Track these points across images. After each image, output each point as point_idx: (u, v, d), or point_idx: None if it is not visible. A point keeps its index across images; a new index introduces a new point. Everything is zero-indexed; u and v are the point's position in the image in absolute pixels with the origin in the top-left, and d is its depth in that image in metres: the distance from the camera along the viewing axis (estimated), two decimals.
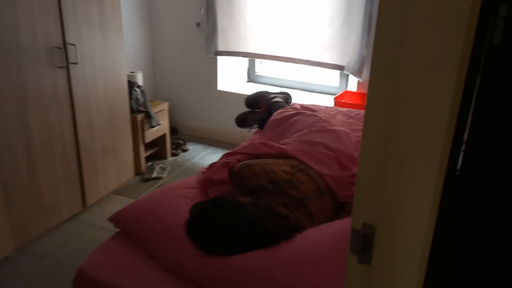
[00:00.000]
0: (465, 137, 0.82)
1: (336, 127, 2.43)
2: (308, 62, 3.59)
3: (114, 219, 1.96)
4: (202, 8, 3.75)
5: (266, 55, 3.72)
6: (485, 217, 0.88)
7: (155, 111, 3.49)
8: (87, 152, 2.86)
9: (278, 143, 2.25)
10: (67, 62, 2.60)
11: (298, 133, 2.35)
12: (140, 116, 3.35)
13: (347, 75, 3.68)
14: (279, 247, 1.62)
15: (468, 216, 0.89)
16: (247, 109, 3.23)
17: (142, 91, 3.38)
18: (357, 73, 3.40)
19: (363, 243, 0.88)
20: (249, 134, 3.12)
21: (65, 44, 2.57)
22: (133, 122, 3.29)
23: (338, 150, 2.16)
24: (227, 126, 3.98)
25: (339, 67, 3.50)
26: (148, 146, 3.60)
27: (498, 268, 0.88)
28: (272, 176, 1.88)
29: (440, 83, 0.74)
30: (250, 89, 3.83)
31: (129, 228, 1.89)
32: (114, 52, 2.94)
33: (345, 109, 3.09)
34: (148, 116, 3.40)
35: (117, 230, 1.97)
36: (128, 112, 3.18)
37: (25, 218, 2.53)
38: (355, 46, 3.34)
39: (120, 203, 2.91)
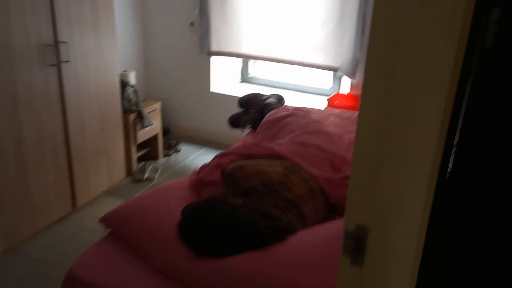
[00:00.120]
0: (456, 139, 0.82)
1: (329, 129, 2.44)
2: (302, 63, 3.59)
3: (105, 220, 1.95)
4: (195, 8, 3.74)
5: (259, 56, 3.71)
6: (476, 218, 0.88)
7: (148, 111, 3.47)
8: (78, 152, 2.84)
9: (271, 144, 2.25)
10: (59, 60, 2.58)
11: (291, 134, 2.35)
12: (132, 116, 3.33)
13: (340, 77, 3.68)
14: (271, 249, 1.61)
15: (459, 218, 0.90)
16: (240, 110, 3.22)
17: (135, 91, 3.36)
18: (351, 74, 3.40)
19: (356, 245, 0.87)
20: (242, 135, 3.11)
21: (57, 42, 2.54)
22: (125, 122, 3.27)
23: (331, 152, 2.16)
24: (220, 127, 3.96)
25: (333, 69, 3.50)
26: (140, 146, 3.58)
27: (489, 269, 0.88)
28: (265, 177, 1.88)
29: (434, 86, 0.74)
30: (244, 89, 3.82)
31: (120, 229, 1.88)
32: (106, 51, 2.92)
33: (338, 110, 3.10)
34: (140, 116, 3.38)
35: (108, 231, 1.95)
36: (120, 112, 3.15)
37: (14, 220, 2.50)
38: (348, 48, 3.35)
39: (111, 204, 2.89)
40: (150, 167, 3.56)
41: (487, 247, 0.86)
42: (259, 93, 3.20)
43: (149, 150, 3.71)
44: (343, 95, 3.59)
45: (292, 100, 3.49)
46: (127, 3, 3.78)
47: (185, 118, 4.20)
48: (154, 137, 3.68)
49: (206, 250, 1.65)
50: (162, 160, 3.76)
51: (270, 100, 3.04)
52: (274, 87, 4.01)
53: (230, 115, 3.22)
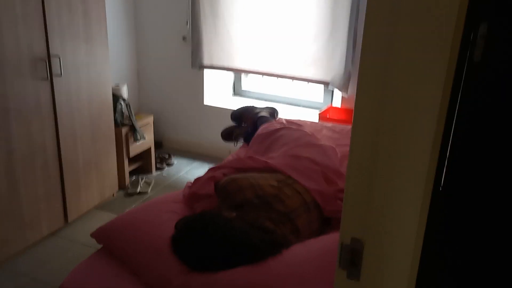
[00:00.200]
0: (448, 153, 0.82)
1: (322, 142, 2.44)
2: (293, 77, 3.61)
3: (97, 235, 1.92)
4: (188, 22, 3.76)
5: (251, 70, 3.73)
6: (471, 230, 0.88)
7: (140, 125, 3.46)
8: (70, 166, 2.81)
9: (264, 158, 2.24)
10: (51, 74, 2.57)
11: (284, 148, 2.35)
12: (124, 130, 3.31)
13: (332, 90, 3.71)
14: (265, 263, 1.60)
15: (454, 230, 0.90)
16: (233, 124, 3.22)
17: (127, 104, 3.36)
18: (343, 88, 3.43)
19: (351, 258, 0.87)
20: (235, 149, 3.11)
21: (49, 55, 2.54)
22: (117, 135, 3.25)
23: (324, 165, 2.16)
24: (213, 140, 3.96)
25: (324, 83, 3.52)
26: (132, 160, 3.56)
27: (486, 281, 0.88)
28: (258, 190, 1.87)
29: (426, 100, 0.74)
30: (236, 103, 3.83)
31: (112, 244, 1.85)
32: (99, 65, 2.92)
33: (330, 124, 3.11)
34: (132, 129, 3.37)
35: (100, 246, 1.92)
36: (112, 125, 3.14)
37: (3, 234, 2.46)
38: (340, 62, 3.38)
39: (103, 219, 2.86)
40: (143, 181, 3.54)
41: (483, 259, 0.86)
42: (252, 106, 3.20)
43: (141, 164, 3.69)
44: (335, 109, 3.61)
45: (284, 113, 3.50)
46: (120, 16, 3.79)
47: (178, 132, 4.20)
48: (147, 151, 3.66)
49: (200, 264, 1.63)
50: (154, 174, 3.74)
51: (263, 113, 3.04)
52: (267, 100, 4.03)
53: (223, 129, 3.22)
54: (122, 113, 3.31)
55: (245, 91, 4.22)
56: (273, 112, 3.14)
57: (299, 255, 1.64)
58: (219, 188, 1.94)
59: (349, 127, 3.00)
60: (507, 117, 0.79)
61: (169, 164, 3.89)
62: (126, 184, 3.45)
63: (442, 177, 0.84)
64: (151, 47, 4.02)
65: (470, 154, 0.84)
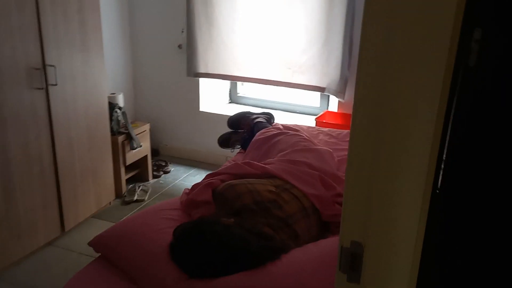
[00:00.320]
0: (444, 155, 0.83)
1: (319, 147, 2.44)
2: (289, 84, 3.62)
3: (94, 243, 1.91)
4: (183, 30, 3.77)
5: (245, 77, 3.74)
6: (469, 232, 0.88)
7: (136, 133, 3.46)
8: (66, 175, 2.80)
9: (261, 163, 2.24)
10: (46, 84, 2.56)
11: (282, 153, 2.35)
12: (121, 138, 3.31)
13: (328, 95, 3.72)
14: (264, 268, 1.59)
15: (453, 232, 0.90)
16: (230, 130, 3.22)
17: (123, 113, 3.35)
18: (339, 94, 3.44)
19: (352, 261, 0.87)
20: (232, 155, 3.11)
21: (44, 65, 2.54)
22: (114, 143, 3.24)
23: (322, 169, 2.16)
24: (209, 147, 3.96)
25: (320, 89, 3.53)
26: (129, 168, 3.55)
27: (486, 281, 0.88)
28: (256, 196, 1.86)
29: (424, 103, 0.75)
30: (233, 109, 3.84)
31: (110, 252, 1.84)
32: (95, 73, 2.92)
33: (326, 129, 3.12)
34: (129, 137, 3.36)
35: (97, 255, 1.91)
36: (108, 133, 3.13)
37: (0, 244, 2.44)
38: (335, 68, 3.39)
39: (100, 227, 2.84)
40: (140, 189, 3.53)
41: (483, 260, 0.86)
42: (248, 112, 3.21)
43: (138, 172, 3.68)
44: (331, 113, 3.62)
45: (281, 119, 3.51)
46: (115, 25, 3.80)
47: (174, 139, 4.19)
48: (143, 159, 3.66)
49: (198, 271, 1.62)
50: (151, 181, 3.73)
51: (260, 119, 3.05)
52: (263, 106, 4.04)
53: (219, 135, 3.22)
54: (118, 121, 3.30)
55: (241, 97, 4.22)
56: (269, 117, 3.14)
57: (298, 260, 1.64)
58: (216, 194, 1.94)
59: (346, 131, 3.01)
60: (502, 120, 0.80)
61: (166, 172, 3.89)
62: (123, 192, 3.44)
63: (439, 179, 0.84)
64: (147, 56, 4.02)
65: (466, 157, 0.85)
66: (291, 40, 3.48)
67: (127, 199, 3.38)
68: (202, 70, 3.81)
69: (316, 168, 2.17)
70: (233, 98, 4.25)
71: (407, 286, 0.85)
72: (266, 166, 2.17)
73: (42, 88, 2.54)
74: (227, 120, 3.22)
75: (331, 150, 2.47)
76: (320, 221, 1.98)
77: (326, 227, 2.00)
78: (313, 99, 3.94)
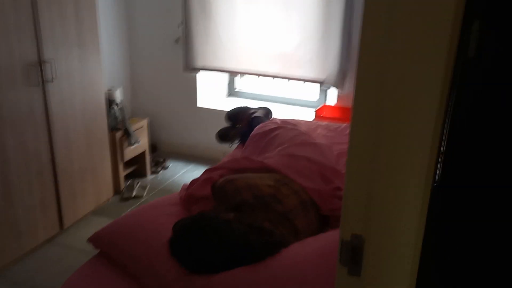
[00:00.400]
0: (443, 148, 0.82)
1: (318, 141, 2.44)
2: (287, 76, 3.61)
3: (94, 240, 1.90)
4: (180, 25, 3.75)
5: (244, 70, 3.73)
6: (468, 225, 0.88)
7: (134, 128, 3.44)
8: (64, 172, 2.79)
9: (260, 158, 2.24)
10: (43, 80, 2.55)
11: (280, 147, 2.34)
12: (119, 134, 3.30)
13: (327, 88, 3.71)
14: (264, 263, 1.59)
15: (452, 225, 0.89)
16: (228, 125, 3.21)
17: (121, 108, 3.34)
18: (339, 85, 3.43)
19: (352, 254, 0.86)
20: (230, 150, 3.10)
21: (41, 61, 2.52)
22: (112, 140, 3.23)
23: (321, 163, 2.16)
24: (207, 142, 3.95)
25: (319, 81, 3.52)
26: (127, 164, 3.54)
27: (487, 275, 0.88)
28: (256, 190, 1.86)
29: (425, 95, 0.74)
30: (231, 104, 3.82)
31: (109, 248, 1.84)
32: (91, 69, 2.90)
33: (325, 122, 3.11)
34: (127, 133, 3.35)
35: (97, 252, 1.90)
36: (106, 130, 3.12)
37: None
38: (334, 60, 3.38)
39: (99, 224, 2.83)
40: (138, 185, 3.52)
41: (484, 253, 0.86)
42: (246, 107, 3.19)
43: (136, 168, 3.67)
44: (330, 107, 3.61)
45: (279, 113, 3.50)
46: (112, 20, 3.78)
47: (172, 135, 4.18)
48: (142, 155, 3.64)
49: (198, 267, 1.62)
50: (150, 177, 3.72)
51: (258, 113, 3.04)
52: (261, 100, 4.02)
53: (217, 130, 3.21)
54: (116, 117, 3.29)
55: (240, 91, 4.21)
56: (267, 112, 3.13)
57: (299, 254, 1.63)
58: (216, 190, 1.93)
59: (344, 125, 3.00)
60: (501, 112, 0.79)
61: (164, 168, 3.88)
62: (121, 188, 3.43)
63: (436, 173, 0.84)
64: (144, 51, 4.00)
65: (464, 150, 0.84)
66: (289, 32, 3.46)
67: (125, 195, 3.37)
68: (199, 64, 3.80)
69: (315, 162, 2.16)
70: (231, 92, 4.24)
71: (408, 278, 0.84)
72: (265, 160, 2.16)
73: (39, 85, 2.52)
74: (225, 115, 3.21)
75: (330, 144, 2.47)
76: (319, 215, 1.97)
77: (325, 221, 2.00)
78: (311, 93, 3.93)
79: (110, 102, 3.24)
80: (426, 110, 0.75)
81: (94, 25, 2.87)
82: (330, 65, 3.41)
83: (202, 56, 3.76)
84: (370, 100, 0.79)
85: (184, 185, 2.22)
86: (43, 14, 2.48)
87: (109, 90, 3.36)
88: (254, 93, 4.15)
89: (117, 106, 3.31)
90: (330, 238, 1.71)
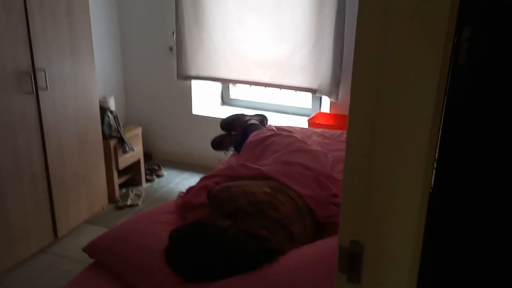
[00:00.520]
0: (437, 155, 0.83)
1: (314, 147, 2.44)
2: (280, 85, 3.62)
3: (88, 249, 1.88)
4: (174, 33, 3.75)
5: (237, 79, 3.73)
6: (466, 230, 0.88)
7: (128, 137, 3.43)
8: (58, 180, 2.76)
9: (256, 165, 2.23)
10: (36, 88, 2.53)
11: (276, 154, 2.34)
12: (113, 142, 3.28)
13: (320, 97, 3.72)
14: (261, 271, 1.58)
15: (451, 230, 0.90)
16: (223, 132, 3.21)
17: (115, 116, 3.33)
18: (331, 94, 3.44)
19: (351, 261, 0.86)
20: (225, 157, 3.09)
21: (34, 69, 2.51)
22: (106, 148, 3.21)
23: (317, 170, 2.16)
24: (202, 150, 3.94)
25: (312, 90, 3.53)
26: (121, 172, 3.52)
27: (487, 279, 0.88)
28: (252, 197, 1.85)
29: (420, 100, 0.75)
30: (225, 112, 3.82)
31: (105, 258, 1.82)
32: (85, 77, 2.89)
33: (320, 130, 3.12)
34: (121, 141, 3.34)
35: (91, 261, 1.88)
36: (100, 138, 3.10)
37: None
38: (327, 69, 3.39)
39: (94, 233, 2.81)
40: (133, 193, 3.50)
41: (483, 257, 0.86)
42: (241, 114, 3.19)
43: (131, 176, 3.65)
44: (324, 114, 3.62)
45: (273, 121, 3.50)
46: (105, 28, 3.78)
47: (167, 143, 4.17)
48: (136, 163, 3.63)
49: (195, 275, 1.60)
50: (145, 185, 3.70)
51: (253, 121, 3.04)
52: (255, 108, 4.03)
53: (212, 138, 3.20)
54: (110, 125, 3.27)
55: (234, 100, 4.21)
56: (262, 119, 3.14)
57: (296, 261, 1.63)
58: (212, 197, 1.93)
59: (339, 132, 3.01)
60: (493, 118, 0.80)
61: (159, 176, 3.86)
62: (116, 197, 3.41)
63: (432, 178, 0.84)
64: (138, 58, 4.00)
65: (458, 155, 0.85)
66: (281, 41, 3.47)
67: (120, 204, 3.35)
68: (192, 72, 3.80)
69: (311, 169, 2.16)
70: (226, 100, 4.24)
71: (407, 284, 0.84)
72: (260, 167, 2.16)
73: (32, 93, 2.51)
74: (220, 122, 3.21)
75: (326, 151, 2.47)
76: (315, 222, 1.97)
77: (322, 228, 2.00)
78: (305, 101, 3.94)
79: (104, 110, 3.23)
80: (422, 115, 0.75)
81: (87, 33, 2.87)
82: (322, 74, 3.42)
83: (194, 64, 3.76)
84: (366, 107, 0.79)
85: (180, 192, 2.22)
86: (35, 20, 2.47)
87: (103, 98, 3.35)
88: (248, 101, 4.15)
89: (111, 114, 3.30)
90: (327, 245, 1.70)
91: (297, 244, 1.80)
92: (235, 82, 3.79)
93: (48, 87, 2.59)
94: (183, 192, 2.18)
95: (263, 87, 3.71)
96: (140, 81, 4.06)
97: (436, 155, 0.82)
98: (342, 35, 3.27)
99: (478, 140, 0.83)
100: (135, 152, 3.50)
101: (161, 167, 3.96)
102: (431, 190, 0.83)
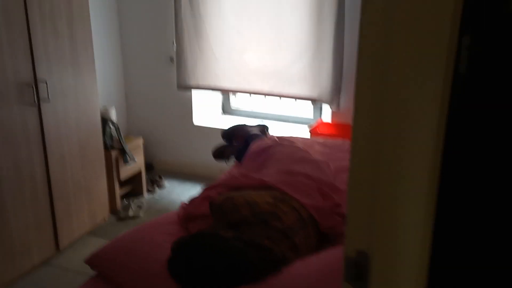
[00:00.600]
0: (442, 162, 0.83)
1: (316, 157, 2.44)
2: (280, 94, 3.62)
3: (91, 261, 1.87)
4: (174, 43, 3.77)
5: (237, 88, 3.74)
6: (474, 238, 0.87)
7: (130, 147, 3.43)
8: (59, 192, 2.76)
9: (258, 175, 2.23)
10: (38, 99, 2.54)
11: (278, 164, 2.34)
12: (114, 153, 3.28)
13: (321, 105, 3.73)
14: (265, 281, 1.57)
15: (459, 238, 0.89)
16: (224, 142, 3.20)
17: (116, 127, 3.33)
18: (331, 103, 3.45)
19: (357, 271, 0.85)
20: (226, 168, 3.09)
21: (36, 81, 2.51)
22: (107, 159, 3.21)
23: (319, 180, 2.15)
24: (204, 160, 3.94)
25: (312, 99, 3.53)
26: (123, 183, 3.51)
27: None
28: (255, 207, 1.85)
29: (425, 108, 0.74)
30: (226, 122, 3.83)
31: (107, 269, 1.81)
32: (86, 88, 2.90)
33: (321, 139, 3.12)
34: (122, 152, 3.33)
35: (94, 272, 1.87)
36: (101, 149, 3.10)
37: None
38: (327, 78, 3.40)
39: (96, 244, 2.80)
40: (135, 205, 3.49)
41: (493, 266, 0.85)
42: (242, 124, 3.20)
43: (132, 187, 3.64)
44: (325, 124, 3.62)
45: (275, 130, 3.50)
46: (106, 38, 3.79)
47: (168, 153, 4.17)
48: (138, 174, 3.62)
49: (198, 286, 1.59)
50: (146, 196, 3.69)
51: (254, 131, 3.04)
52: (256, 118, 4.03)
53: (213, 148, 3.20)
54: (111, 136, 3.27)
55: (234, 109, 4.22)
56: (263, 129, 3.14)
57: (299, 272, 1.62)
58: (214, 208, 1.92)
59: (341, 141, 3.00)
60: (494, 126, 0.80)
61: (160, 186, 3.85)
62: (118, 208, 3.40)
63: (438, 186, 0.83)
64: (139, 69, 4.01)
65: (463, 164, 0.85)
66: (281, 51, 3.49)
67: (122, 215, 3.34)
68: (192, 82, 3.81)
69: (314, 178, 2.16)
70: (226, 110, 4.25)
71: None
72: (263, 177, 2.15)
73: (34, 104, 2.52)
74: (221, 132, 3.21)
75: (328, 160, 2.47)
76: (318, 232, 1.96)
77: (324, 238, 1.99)
78: (306, 110, 3.94)
79: (105, 120, 3.23)
80: (426, 124, 0.75)
81: (88, 45, 2.88)
82: (322, 82, 3.43)
83: (194, 75, 3.77)
84: (370, 115, 0.79)
85: (182, 203, 2.21)
86: (36, 32, 2.48)
87: (105, 108, 3.35)
88: (249, 111, 4.16)
89: (113, 125, 3.30)
90: (331, 255, 1.69)
91: (301, 254, 1.79)
92: (235, 91, 3.80)
93: (49, 99, 2.60)
94: (185, 203, 2.17)
95: (263, 95, 3.71)
96: (141, 92, 4.07)
97: (441, 163, 0.82)
98: (342, 44, 3.29)
99: (482, 147, 0.83)
100: (137, 163, 3.49)
101: (163, 177, 3.95)
102: (437, 199, 0.83)
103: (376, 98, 0.77)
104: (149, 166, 4.07)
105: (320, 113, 3.80)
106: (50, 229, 2.73)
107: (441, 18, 0.70)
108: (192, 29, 3.66)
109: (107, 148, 3.21)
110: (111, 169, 3.26)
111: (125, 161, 3.35)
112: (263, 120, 3.92)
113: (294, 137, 3.00)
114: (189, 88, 3.83)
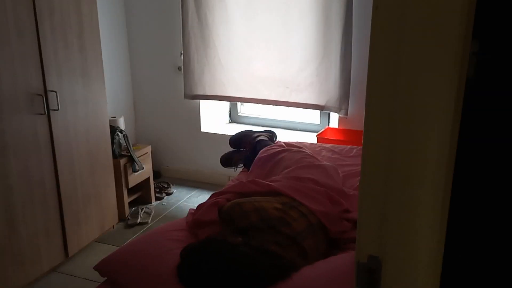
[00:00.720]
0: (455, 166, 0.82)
1: (324, 163, 2.43)
2: (287, 103, 3.62)
3: (100, 268, 1.88)
4: (182, 52, 3.80)
5: (244, 98, 3.74)
6: (486, 244, 0.87)
7: (138, 155, 3.44)
8: (69, 200, 2.77)
9: (267, 181, 2.23)
10: (48, 109, 2.56)
11: (286, 170, 2.34)
12: (123, 161, 3.30)
13: (328, 112, 3.72)
14: (275, 287, 1.56)
15: (471, 242, 0.88)
16: (232, 149, 3.21)
17: (125, 136, 3.35)
18: (340, 110, 3.44)
19: (369, 277, 0.85)
20: (235, 174, 3.09)
21: (46, 91, 2.54)
22: (116, 167, 3.23)
23: (328, 185, 2.15)
24: (211, 167, 3.94)
25: (319, 107, 3.53)
26: (131, 191, 3.53)
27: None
28: (263, 213, 1.85)
29: (437, 112, 0.74)
30: (233, 129, 3.84)
31: (116, 276, 1.81)
32: (95, 97, 2.92)
33: (329, 145, 3.11)
34: (131, 160, 3.35)
35: (102, 280, 1.87)
36: (110, 157, 3.12)
37: (3, 271, 2.40)
38: (334, 85, 3.39)
39: (104, 251, 2.80)
40: (143, 211, 3.50)
41: (507, 271, 0.84)
42: (250, 131, 3.20)
43: (141, 194, 3.66)
44: (332, 130, 3.62)
45: (282, 137, 3.50)
46: (114, 48, 3.83)
47: (176, 160, 4.18)
48: (146, 181, 3.63)
49: None
50: (154, 203, 3.70)
51: (262, 137, 3.04)
52: (264, 125, 4.04)
53: (221, 155, 3.21)
54: (120, 144, 3.30)
55: (242, 116, 4.23)
56: (271, 135, 3.14)
57: (309, 278, 1.61)
58: (223, 214, 1.92)
59: (349, 147, 3.00)
60: (502, 130, 0.80)
61: (168, 193, 3.86)
62: (126, 215, 3.41)
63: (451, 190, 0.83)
64: (147, 78, 4.04)
65: (477, 168, 0.84)
66: (288, 59, 3.49)
67: (130, 222, 3.34)
68: (200, 92, 3.82)
69: (322, 184, 2.15)
70: (234, 117, 4.26)
71: None
72: (271, 183, 2.15)
73: (44, 114, 2.54)
74: (229, 139, 3.22)
75: (336, 166, 2.46)
76: (327, 238, 1.95)
77: (334, 244, 1.98)
78: (313, 116, 3.94)
79: (114, 129, 3.26)
80: (439, 129, 0.75)
81: (98, 55, 2.91)
82: (330, 90, 3.42)
83: (201, 84, 3.78)
84: (381, 120, 0.79)
85: (190, 209, 2.21)
86: (47, 43, 2.51)
87: (113, 117, 3.38)
88: (256, 118, 4.16)
89: (121, 133, 3.32)
90: (340, 261, 1.69)
91: (310, 260, 1.78)
92: (242, 100, 3.81)
93: (59, 108, 2.62)
94: (193, 209, 2.18)
95: (270, 105, 3.71)
96: (149, 101, 4.10)
97: (455, 167, 0.82)
98: (350, 51, 3.28)
99: (495, 151, 0.82)
100: (145, 170, 3.51)
101: (171, 184, 3.96)
102: (450, 203, 0.83)
103: (387, 103, 0.77)
104: (157, 174, 4.08)
105: (328, 120, 3.79)
106: (59, 236, 2.74)
107: (453, 22, 0.70)
108: (200, 39, 3.68)
109: (115, 156, 3.23)
110: (119, 176, 3.28)
111: (134, 170, 3.36)
112: (271, 127, 3.92)
113: (301, 143, 3.00)
114: (196, 97, 3.85)
